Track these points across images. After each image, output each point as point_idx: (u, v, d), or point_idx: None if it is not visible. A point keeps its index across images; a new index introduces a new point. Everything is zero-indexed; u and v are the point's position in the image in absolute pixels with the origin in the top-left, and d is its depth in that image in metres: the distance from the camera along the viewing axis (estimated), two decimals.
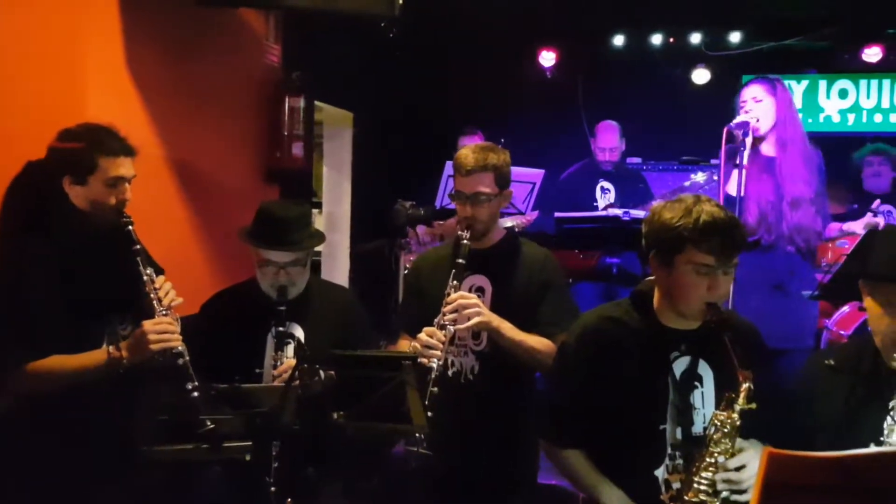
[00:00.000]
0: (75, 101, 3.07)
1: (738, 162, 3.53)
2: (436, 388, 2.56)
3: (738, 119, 3.61)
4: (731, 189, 3.56)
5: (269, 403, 2.15)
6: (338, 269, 5.68)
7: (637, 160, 6.39)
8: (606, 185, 5.57)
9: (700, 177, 5.18)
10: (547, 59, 6.50)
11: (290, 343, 2.75)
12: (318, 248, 4.75)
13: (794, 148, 3.62)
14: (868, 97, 6.12)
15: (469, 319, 2.64)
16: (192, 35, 3.74)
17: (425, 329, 2.66)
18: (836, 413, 2.09)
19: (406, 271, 4.31)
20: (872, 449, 1.37)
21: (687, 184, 5.20)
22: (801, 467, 1.44)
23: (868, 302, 2.09)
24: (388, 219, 4.62)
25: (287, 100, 4.28)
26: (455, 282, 2.69)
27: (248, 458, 2.10)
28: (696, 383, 2.20)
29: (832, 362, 2.19)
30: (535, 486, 3.03)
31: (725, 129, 3.60)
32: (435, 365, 2.59)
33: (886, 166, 5.29)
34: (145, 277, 2.43)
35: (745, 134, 3.56)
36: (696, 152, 5.35)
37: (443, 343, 2.61)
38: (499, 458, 2.79)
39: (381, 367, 2.15)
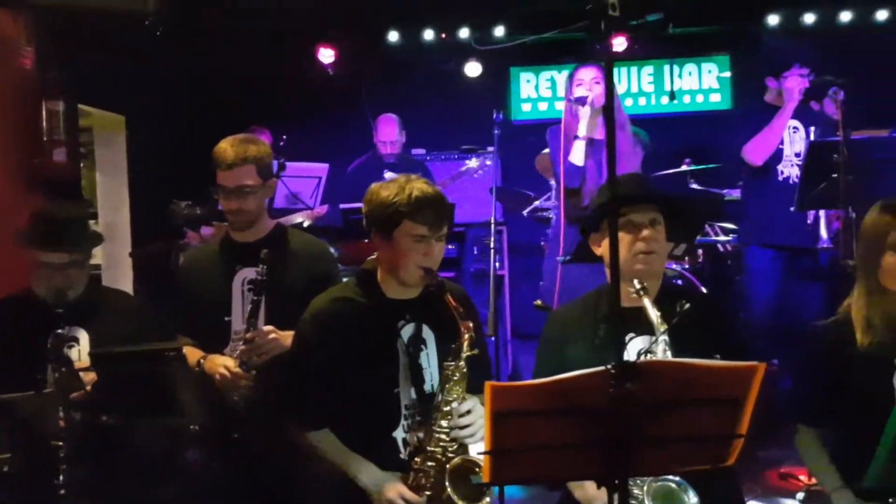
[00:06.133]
0: None
1: (577, 134, 3.82)
2: None
3: (577, 94, 3.87)
4: (576, 159, 3.83)
5: (29, 412, 2.09)
6: (121, 278, 5.46)
7: (421, 151, 6.62)
8: (391, 175, 5.71)
9: (474, 162, 5.51)
10: (326, 56, 6.54)
11: (73, 346, 2.70)
12: (97, 261, 4.52)
13: (622, 131, 3.81)
14: (619, 82, 6.73)
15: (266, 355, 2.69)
16: None
17: (225, 364, 2.67)
18: (585, 354, 2.30)
19: None
20: (577, 371, 1.59)
21: (463, 169, 5.52)
22: (521, 395, 1.64)
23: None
24: (165, 220, 4.51)
25: (45, 104, 4.08)
26: (253, 318, 2.71)
27: (6, 469, 2.04)
28: (423, 346, 2.44)
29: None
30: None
31: (566, 102, 3.89)
32: (236, 398, 2.67)
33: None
34: None
35: (584, 104, 3.82)
36: (474, 140, 5.63)
37: (244, 378, 2.67)
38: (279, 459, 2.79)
39: (145, 361, 2.15)
